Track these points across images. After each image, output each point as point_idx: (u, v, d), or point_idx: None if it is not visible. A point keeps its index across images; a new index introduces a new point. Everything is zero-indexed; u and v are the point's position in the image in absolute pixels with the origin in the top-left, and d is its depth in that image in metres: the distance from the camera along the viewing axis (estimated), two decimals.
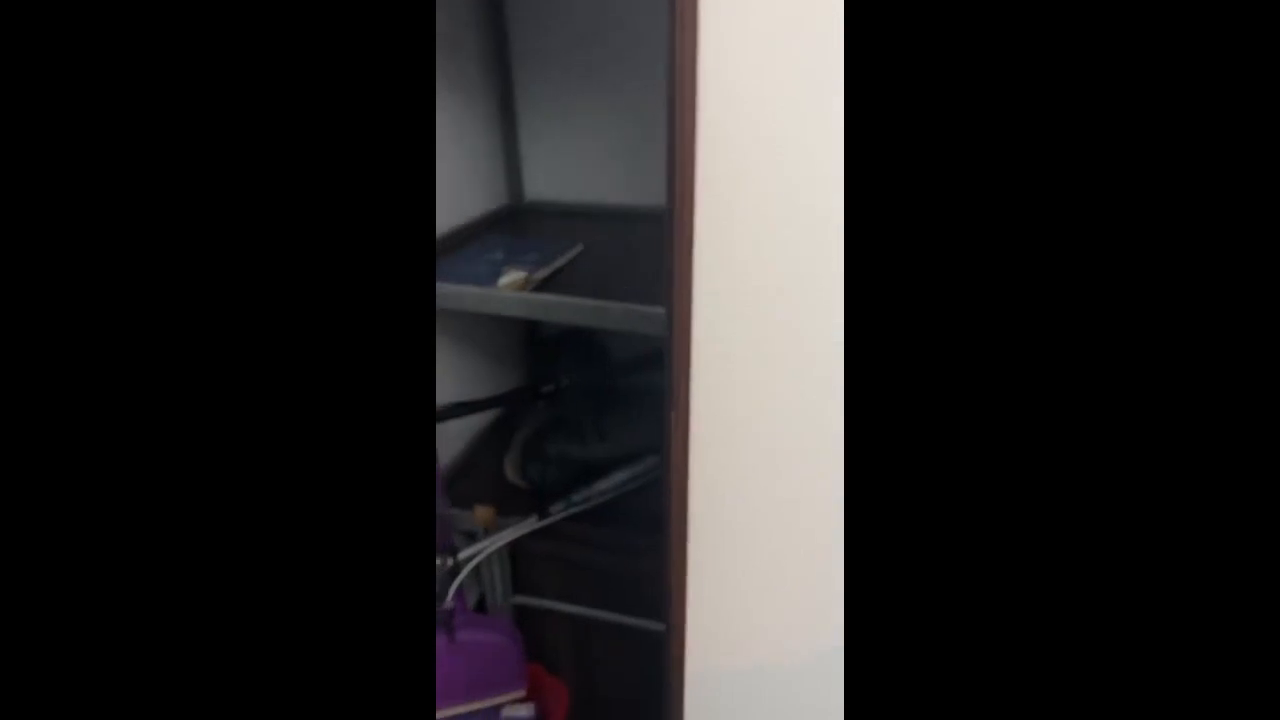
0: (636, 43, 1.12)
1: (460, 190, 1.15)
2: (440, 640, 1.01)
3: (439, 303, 0.93)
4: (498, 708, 1.06)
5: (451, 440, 1.17)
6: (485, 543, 0.99)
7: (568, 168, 1.26)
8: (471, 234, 1.13)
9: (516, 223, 1.23)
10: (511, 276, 0.94)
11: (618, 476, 1.05)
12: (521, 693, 1.07)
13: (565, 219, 1.23)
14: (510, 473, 1.10)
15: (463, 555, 0.97)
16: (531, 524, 1.00)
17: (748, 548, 0.52)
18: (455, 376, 1.15)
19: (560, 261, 1.00)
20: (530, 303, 0.90)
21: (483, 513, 1.03)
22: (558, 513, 1.01)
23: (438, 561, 0.96)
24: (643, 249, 1.06)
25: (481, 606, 1.15)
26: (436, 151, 1.06)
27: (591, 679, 1.13)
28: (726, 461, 0.49)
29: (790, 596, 0.53)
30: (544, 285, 0.94)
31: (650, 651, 1.05)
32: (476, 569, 0.99)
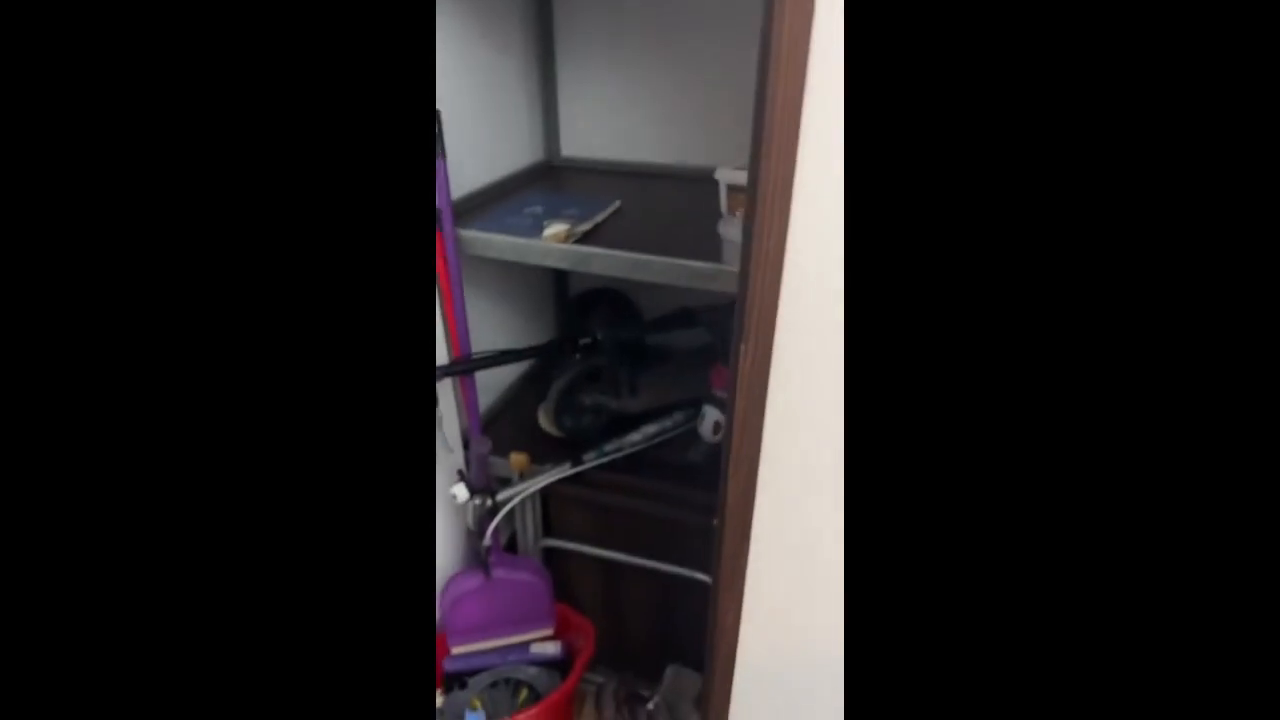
0: (680, 2, 1.13)
1: (499, 145, 1.17)
2: (476, 578, 1.06)
3: (485, 252, 0.95)
4: (527, 644, 1.12)
5: (490, 389, 1.21)
6: (520, 487, 1.02)
7: (604, 125, 1.27)
8: (509, 188, 1.15)
9: (552, 178, 1.25)
10: (554, 229, 0.96)
11: (648, 429, 1.09)
12: (550, 630, 1.12)
13: (600, 176, 1.25)
14: (545, 422, 1.14)
15: (500, 497, 1.01)
16: (564, 471, 1.04)
17: (803, 476, 0.55)
18: (490, 327, 1.18)
19: (600, 216, 1.02)
20: (576, 254, 0.93)
21: (518, 459, 1.07)
22: (589, 461, 1.05)
23: (476, 501, 1.00)
24: (678, 206, 1.08)
25: (512, 546, 1.19)
26: (477, 106, 1.08)
27: (616, 619, 1.18)
28: (794, 402, 0.51)
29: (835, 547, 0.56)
30: (585, 239, 0.96)
31: (674, 594, 1.10)
32: (510, 512, 1.03)
